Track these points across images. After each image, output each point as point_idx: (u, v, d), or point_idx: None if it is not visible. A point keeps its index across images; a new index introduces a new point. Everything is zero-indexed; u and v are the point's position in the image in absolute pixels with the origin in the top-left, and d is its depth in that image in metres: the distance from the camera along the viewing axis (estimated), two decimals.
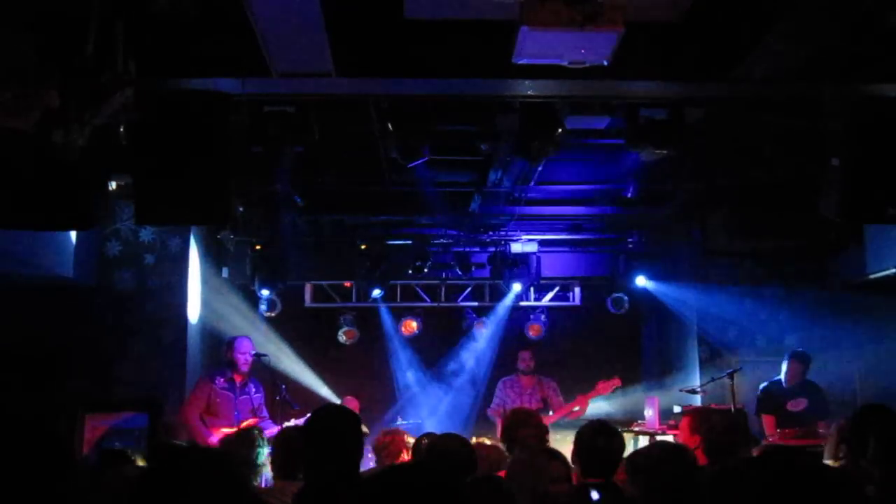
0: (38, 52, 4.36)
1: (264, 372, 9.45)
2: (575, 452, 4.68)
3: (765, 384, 9.58)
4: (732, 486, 3.27)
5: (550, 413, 10.24)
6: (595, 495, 4.26)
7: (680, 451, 4.78)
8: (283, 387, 8.94)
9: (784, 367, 9.36)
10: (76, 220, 5.74)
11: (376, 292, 11.64)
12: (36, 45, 4.36)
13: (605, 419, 5.11)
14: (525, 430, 5.60)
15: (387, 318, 12.25)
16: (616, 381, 10.31)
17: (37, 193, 5.37)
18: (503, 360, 11.80)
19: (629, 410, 11.27)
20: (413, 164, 6.81)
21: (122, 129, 5.73)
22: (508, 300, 12.10)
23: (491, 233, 11.48)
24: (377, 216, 11.12)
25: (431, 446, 4.53)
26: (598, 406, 10.48)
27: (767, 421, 9.18)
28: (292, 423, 8.96)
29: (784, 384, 9.34)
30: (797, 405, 9.23)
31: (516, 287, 11.79)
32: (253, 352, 8.96)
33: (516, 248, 11.60)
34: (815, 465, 3.03)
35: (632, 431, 9.95)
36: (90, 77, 4.67)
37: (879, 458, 3.73)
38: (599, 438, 4.65)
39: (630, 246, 11.87)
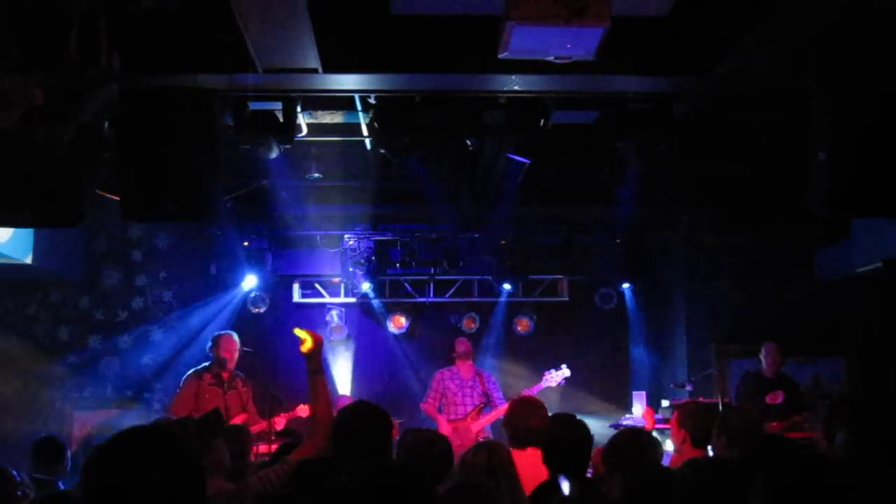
0: (21, 48, 4.34)
1: (251, 368, 9.44)
2: (543, 450, 4.73)
3: (745, 374, 9.59)
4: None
5: (491, 410, 9.86)
6: (565, 486, 4.32)
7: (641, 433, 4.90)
8: (272, 383, 8.91)
9: (764, 355, 9.33)
10: (62, 217, 5.72)
11: (366, 286, 11.62)
12: (19, 42, 4.34)
13: (570, 413, 5.17)
14: (535, 422, 5.57)
15: (375, 314, 12.24)
16: (564, 371, 9.87)
17: (22, 190, 5.35)
18: (491, 357, 11.83)
19: (617, 405, 11.29)
20: (401, 160, 6.79)
21: (107, 126, 5.72)
22: (500, 296, 12.12)
23: (479, 229, 11.47)
24: (365, 211, 11.11)
25: (409, 443, 4.54)
26: (585, 399, 10.42)
27: None
28: (280, 417, 8.99)
29: (765, 374, 9.33)
30: (775, 398, 9.23)
31: (506, 286, 11.86)
32: (239, 348, 8.94)
33: (504, 243, 11.61)
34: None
35: (620, 426, 9.96)
36: (74, 73, 4.65)
37: (854, 449, 3.76)
38: (566, 432, 4.74)
39: (618, 241, 11.87)
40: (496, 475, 4.23)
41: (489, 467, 4.24)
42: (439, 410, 10.02)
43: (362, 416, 4.24)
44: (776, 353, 9.26)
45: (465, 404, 9.91)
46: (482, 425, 9.73)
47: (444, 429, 9.63)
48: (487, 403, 9.94)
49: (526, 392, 9.59)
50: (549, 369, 9.94)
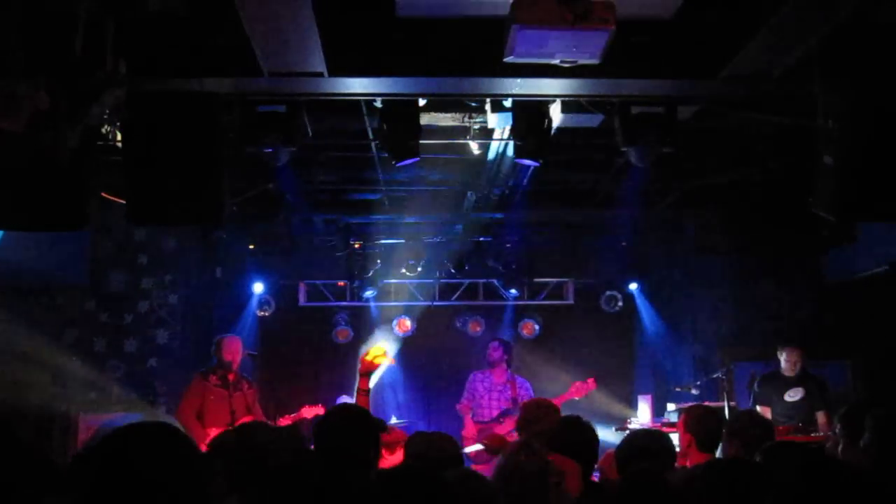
0: (26, 51, 4.34)
1: (256, 370, 9.46)
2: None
3: (762, 374, 9.56)
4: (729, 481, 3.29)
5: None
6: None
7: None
8: (276, 385, 8.93)
9: (783, 356, 9.30)
10: (68, 221, 5.72)
11: (369, 293, 11.65)
12: (24, 46, 4.34)
13: (578, 416, 5.22)
14: (541, 426, 5.57)
15: (381, 318, 12.25)
16: (591, 384, 9.84)
17: (28, 194, 5.36)
18: None
19: (623, 408, 11.28)
20: (402, 164, 6.79)
21: (113, 129, 5.73)
22: (505, 299, 12.17)
23: (484, 233, 11.47)
24: (371, 215, 11.12)
25: (418, 445, 4.54)
26: (591, 403, 10.40)
27: (763, 413, 9.14)
28: (285, 419, 8.99)
29: (784, 373, 9.31)
30: (795, 395, 9.21)
31: (512, 290, 11.89)
32: (243, 350, 8.94)
33: (509, 246, 11.62)
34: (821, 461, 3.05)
35: (625, 429, 9.94)
36: (80, 77, 4.66)
37: (873, 449, 3.77)
38: (575, 434, 4.76)
39: (623, 245, 11.87)
40: (546, 482, 4.18)
41: (541, 474, 4.18)
42: (473, 411, 10.09)
43: (342, 419, 4.29)
44: (796, 356, 9.23)
45: (491, 407, 9.98)
46: (507, 429, 9.72)
47: (469, 430, 9.72)
48: (515, 408, 9.93)
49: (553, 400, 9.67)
50: (576, 380, 9.89)
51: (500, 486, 3.99)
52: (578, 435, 4.83)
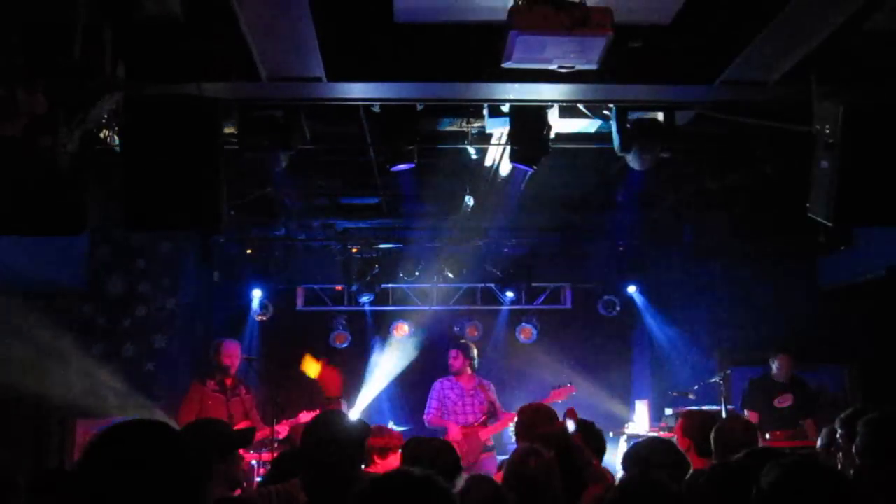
0: (24, 56, 4.35)
1: (255, 374, 9.45)
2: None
3: (753, 378, 9.65)
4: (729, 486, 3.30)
5: (497, 419, 9.75)
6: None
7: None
8: (275, 390, 8.92)
9: (775, 363, 9.41)
10: (66, 225, 5.72)
11: (366, 297, 11.64)
12: (22, 50, 4.35)
13: (592, 422, 5.23)
14: (543, 429, 5.56)
15: (378, 322, 12.26)
16: (570, 389, 9.69)
17: (26, 198, 5.36)
18: (494, 365, 11.80)
19: (620, 412, 11.28)
20: (397, 169, 6.81)
21: (111, 134, 5.73)
22: (503, 304, 12.19)
23: (482, 237, 11.48)
24: (369, 220, 11.12)
25: (416, 450, 4.54)
26: (587, 407, 10.39)
27: (750, 417, 9.19)
28: (283, 424, 8.98)
29: (775, 379, 9.40)
30: (784, 401, 9.29)
31: (509, 294, 11.91)
32: (241, 355, 8.94)
33: (507, 251, 11.63)
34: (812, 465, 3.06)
35: (622, 434, 9.96)
36: (78, 82, 4.66)
37: (868, 454, 3.78)
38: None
39: (621, 249, 11.88)
40: (555, 485, 4.17)
41: (548, 478, 4.16)
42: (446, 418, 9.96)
43: (326, 424, 4.27)
44: (788, 363, 9.36)
45: (466, 413, 9.82)
46: (489, 433, 9.69)
47: (453, 435, 9.53)
48: (494, 413, 9.85)
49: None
50: (555, 386, 9.81)
51: (509, 488, 4.00)
52: (593, 441, 4.84)
